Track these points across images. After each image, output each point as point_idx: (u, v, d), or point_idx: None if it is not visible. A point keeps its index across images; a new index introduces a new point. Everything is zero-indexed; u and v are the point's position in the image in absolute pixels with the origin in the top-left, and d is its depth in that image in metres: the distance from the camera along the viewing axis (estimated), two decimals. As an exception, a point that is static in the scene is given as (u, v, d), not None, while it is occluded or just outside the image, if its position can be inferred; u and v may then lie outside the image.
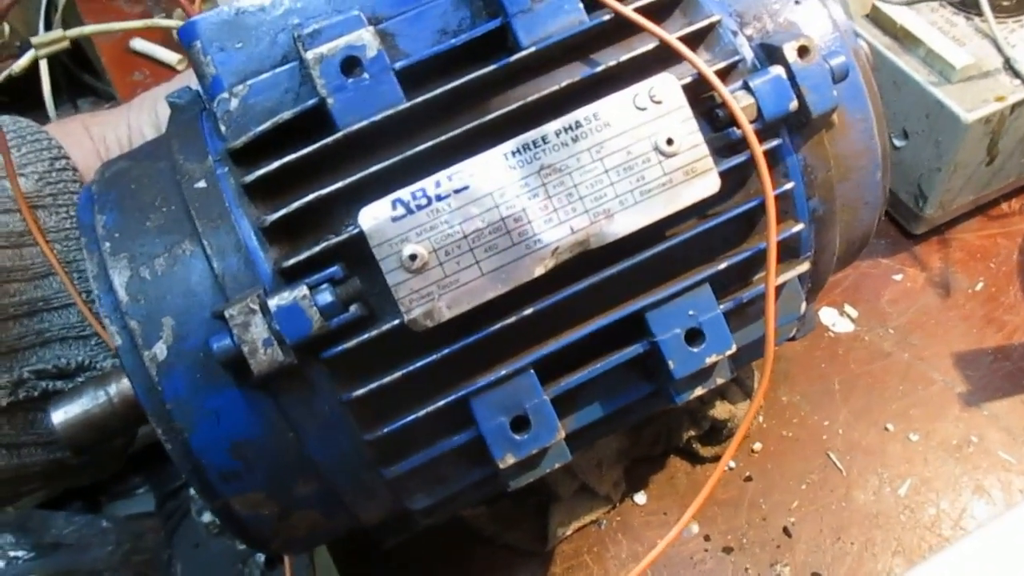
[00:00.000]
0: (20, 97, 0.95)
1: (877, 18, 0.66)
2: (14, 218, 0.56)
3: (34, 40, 0.57)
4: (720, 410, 0.58)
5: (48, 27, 0.99)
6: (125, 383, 0.43)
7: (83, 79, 1.16)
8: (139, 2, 0.99)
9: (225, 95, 0.40)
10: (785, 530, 0.57)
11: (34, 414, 0.58)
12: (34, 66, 0.84)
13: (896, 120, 0.65)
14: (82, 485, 0.95)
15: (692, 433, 0.59)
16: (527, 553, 0.58)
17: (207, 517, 1.05)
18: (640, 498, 0.59)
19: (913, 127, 0.64)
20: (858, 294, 0.67)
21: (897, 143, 0.66)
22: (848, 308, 0.67)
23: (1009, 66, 0.62)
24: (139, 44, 0.93)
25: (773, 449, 0.60)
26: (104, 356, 0.60)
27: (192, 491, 1.06)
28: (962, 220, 0.70)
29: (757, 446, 0.60)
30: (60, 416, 0.43)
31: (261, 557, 1.04)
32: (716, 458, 0.60)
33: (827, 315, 0.66)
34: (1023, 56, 0.62)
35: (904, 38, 0.64)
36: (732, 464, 0.60)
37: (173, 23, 0.68)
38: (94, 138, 0.63)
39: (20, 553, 0.90)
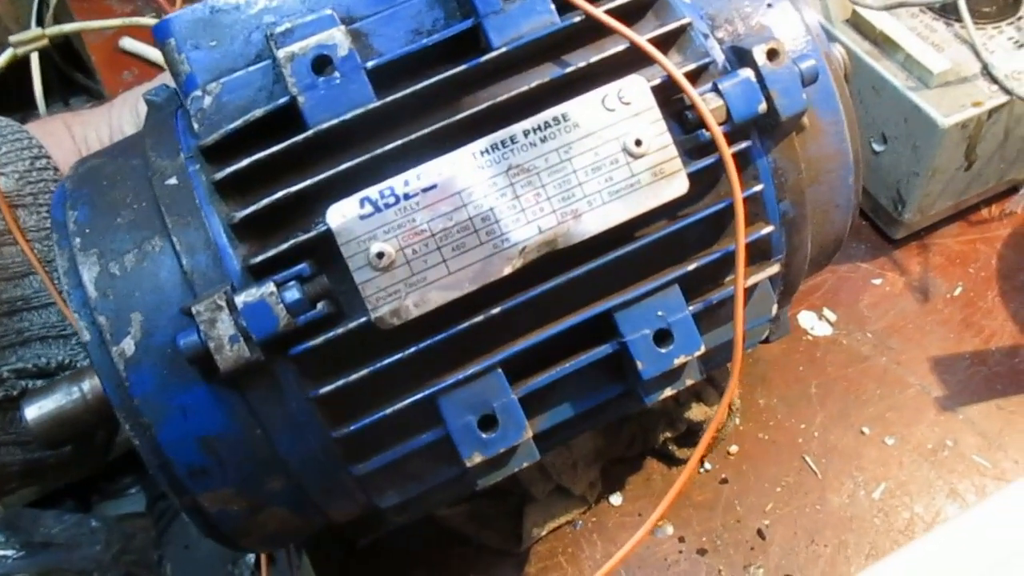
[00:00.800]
0: (10, 95, 0.95)
1: (857, 23, 0.66)
2: (-7, 216, 0.57)
3: (12, 39, 0.58)
4: (696, 412, 0.58)
5: (40, 25, 0.99)
6: (98, 379, 0.43)
7: (75, 78, 1.16)
8: (130, 1, 0.99)
9: (198, 93, 0.40)
10: (759, 532, 0.57)
11: (13, 413, 0.58)
12: (26, 64, 0.84)
13: (875, 125, 0.66)
14: (64, 484, 0.95)
15: (668, 435, 0.59)
16: (503, 553, 0.58)
17: (198, 518, 1.05)
18: (616, 499, 0.59)
19: (892, 132, 0.64)
20: (837, 298, 0.68)
21: (876, 148, 0.66)
22: (827, 312, 0.67)
23: (987, 72, 0.62)
24: (129, 43, 0.94)
25: (749, 451, 0.60)
26: (84, 355, 0.60)
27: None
28: (941, 225, 0.71)
29: (733, 448, 0.61)
30: (33, 412, 0.44)
31: (251, 558, 1.04)
32: (693, 460, 0.60)
33: (806, 318, 0.67)
34: (1001, 62, 0.62)
35: (883, 43, 0.64)
36: (708, 466, 0.60)
37: (154, 22, 0.68)
38: (75, 137, 0.63)
39: (9, 552, 0.90)
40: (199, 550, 1.06)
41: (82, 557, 0.94)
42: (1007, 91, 0.61)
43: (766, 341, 0.52)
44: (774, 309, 0.46)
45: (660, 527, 0.57)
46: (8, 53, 0.58)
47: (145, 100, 0.47)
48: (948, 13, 0.65)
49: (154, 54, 0.93)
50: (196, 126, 0.40)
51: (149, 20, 0.68)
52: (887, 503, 0.57)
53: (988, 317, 0.65)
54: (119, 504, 1.10)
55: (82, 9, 0.98)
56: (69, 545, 0.94)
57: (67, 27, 0.63)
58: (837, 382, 0.63)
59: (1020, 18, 0.66)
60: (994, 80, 0.62)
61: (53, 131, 0.63)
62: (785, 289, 0.49)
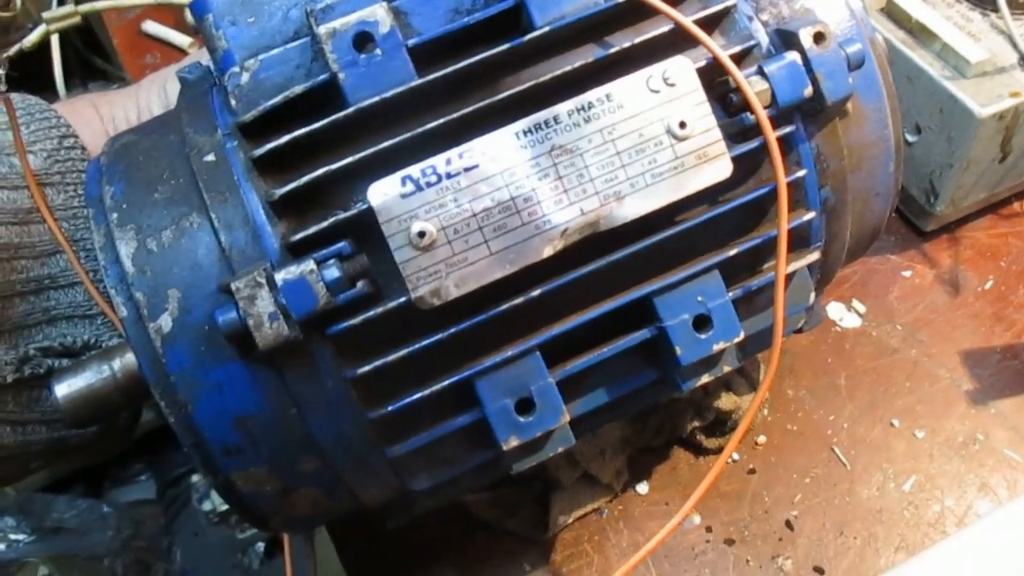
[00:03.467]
0: (31, 76, 0.95)
1: (892, 12, 0.65)
2: (22, 195, 0.56)
3: (45, 15, 0.57)
4: (725, 401, 0.58)
5: (61, 3, 0.99)
6: (129, 357, 0.43)
7: (94, 62, 1.16)
8: (153, -17, 0.99)
9: (236, 69, 0.40)
10: (787, 523, 0.56)
11: (39, 391, 0.58)
12: (46, 45, 0.84)
13: (909, 115, 0.65)
14: (86, 465, 0.95)
15: (696, 424, 0.59)
16: (528, 540, 0.57)
17: (207, 505, 1.05)
18: (642, 488, 0.59)
19: (926, 122, 0.64)
20: (866, 290, 0.67)
21: (910, 138, 0.66)
22: (856, 303, 0.66)
23: (1024, 63, 0.61)
24: (151, 27, 0.93)
25: (777, 442, 0.60)
26: (110, 335, 0.60)
27: (194, 479, 1.07)
28: (973, 218, 0.70)
29: (761, 439, 0.60)
30: (64, 389, 0.43)
31: (260, 546, 1.04)
32: (719, 449, 0.60)
33: (835, 310, 0.66)
34: (1039, 53, 0.62)
35: (919, 32, 0.64)
36: (736, 456, 0.60)
37: (186, 2, 0.68)
38: (103, 117, 0.63)
39: (21, 536, 0.91)
40: (208, 537, 1.06)
41: (93, 543, 0.94)
42: (1044, 82, 0.60)
43: (799, 331, 0.51)
44: (812, 297, 0.46)
45: (687, 517, 0.57)
46: (41, 29, 0.58)
47: (178, 77, 0.46)
48: (984, 3, 0.65)
49: (176, 38, 0.93)
50: (233, 103, 0.40)
51: (181, 0, 0.68)
52: (917, 496, 0.57)
53: (1019, 311, 0.65)
54: (130, 490, 1.10)
55: (105, -9, 0.98)
56: (80, 531, 0.95)
57: (100, 4, 0.62)
58: (866, 374, 0.63)
59: (1057, 9, 0.65)
60: (1031, 71, 0.61)
61: (80, 111, 0.63)
62: (821, 278, 0.48)
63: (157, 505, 1.06)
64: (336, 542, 0.59)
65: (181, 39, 0.92)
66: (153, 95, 0.63)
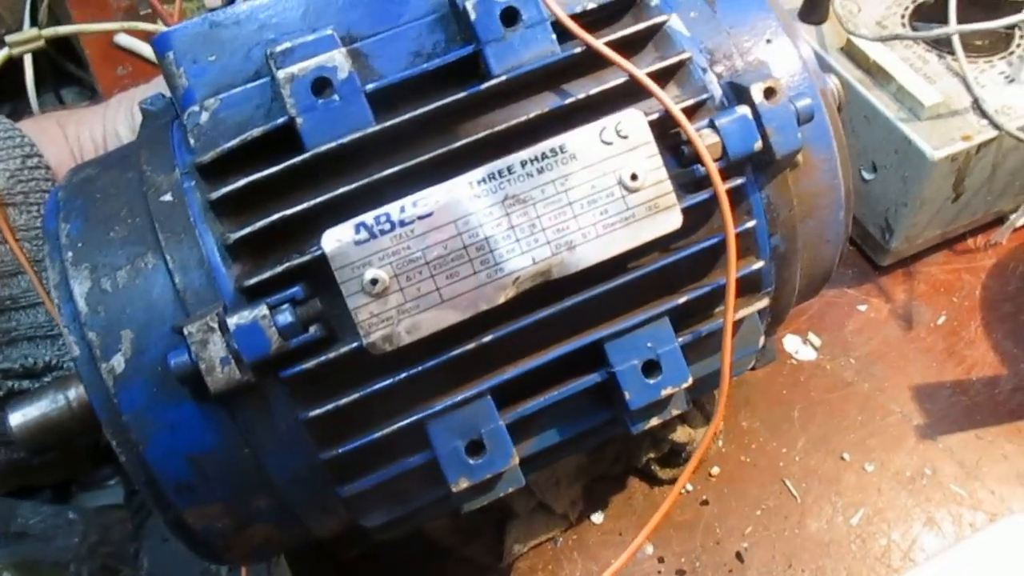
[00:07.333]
0: (2, 86, 0.94)
1: (851, 52, 0.67)
2: (-17, 215, 0.56)
3: (8, 39, 0.57)
4: (680, 433, 0.59)
5: (35, 16, 0.98)
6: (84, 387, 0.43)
7: (68, 68, 1.15)
8: (126, -3, 0.98)
9: (196, 108, 0.40)
10: (738, 555, 0.58)
11: (0, 413, 0.58)
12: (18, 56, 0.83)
13: (865, 154, 0.66)
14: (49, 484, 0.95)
15: (651, 455, 0.60)
16: (484, 567, 0.58)
17: (176, 512, 1.04)
18: (597, 517, 0.60)
19: (882, 161, 0.65)
20: (822, 323, 0.68)
21: (866, 176, 0.67)
22: (812, 336, 0.68)
23: (977, 106, 0.63)
24: (124, 40, 0.93)
25: (730, 474, 0.61)
26: (72, 357, 0.60)
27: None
28: (928, 254, 0.72)
29: (715, 470, 0.61)
30: (18, 418, 0.43)
31: (228, 554, 1.04)
32: (674, 480, 0.60)
33: (791, 342, 0.67)
34: (991, 96, 0.63)
35: (876, 73, 0.65)
36: (689, 487, 0.61)
37: (152, 27, 0.68)
38: (68, 137, 0.63)
39: (-16, 542, 0.90)
40: (177, 544, 1.05)
41: (58, 548, 0.93)
42: (996, 126, 0.62)
43: (752, 368, 0.52)
44: (761, 340, 0.47)
45: (640, 547, 0.58)
46: (3, 53, 0.58)
47: (140, 108, 0.47)
48: (941, 45, 0.66)
49: (148, 51, 0.92)
50: (192, 141, 0.40)
51: (147, 25, 0.68)
52: (864, 529, 0.58)
53: (970, 347, 0.66)
54: (97, 495, 1.09)
55: (78, 2, 0.97)
56: (45, 536, 0.94)
57: (63, 29, 0.62)
58: (820, 407, 0.64)
59: (1012, 53, 0.67)
60: (984, 114, 0.62)
61: (46, 130, 0.63)
62: (773, 320, 0.49)
63: (125, 510, 1.05)
64: (293, 567, 0.59)
65: (152, 52, 0.91)
66: (120, 116, 0.63)
